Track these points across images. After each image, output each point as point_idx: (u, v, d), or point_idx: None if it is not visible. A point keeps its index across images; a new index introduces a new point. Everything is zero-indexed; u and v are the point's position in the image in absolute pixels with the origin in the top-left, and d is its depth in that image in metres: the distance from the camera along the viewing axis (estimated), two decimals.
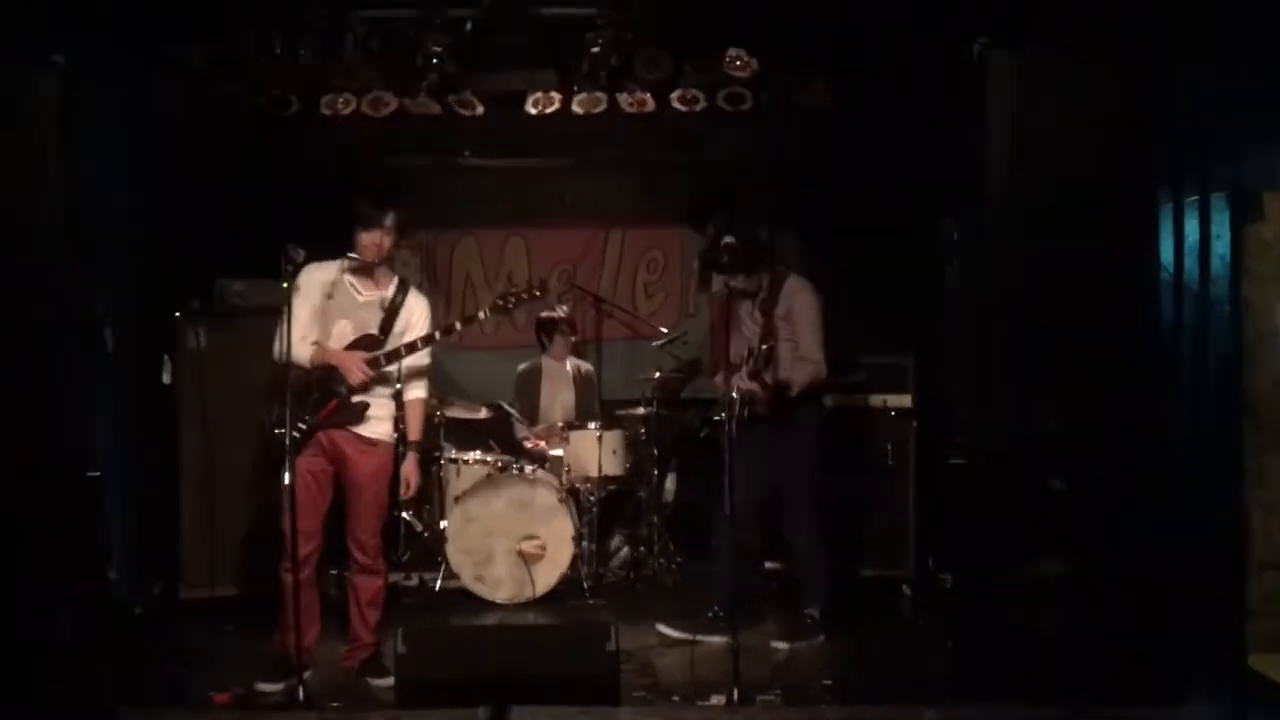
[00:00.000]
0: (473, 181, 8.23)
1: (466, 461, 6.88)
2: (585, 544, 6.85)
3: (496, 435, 7.36)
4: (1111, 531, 4.94)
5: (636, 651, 5.42)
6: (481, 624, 6.15)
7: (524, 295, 5.20)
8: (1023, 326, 5.21)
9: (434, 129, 7.15)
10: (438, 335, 5.15)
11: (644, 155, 7.75)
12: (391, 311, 5.04)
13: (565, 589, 6.59)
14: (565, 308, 7.71)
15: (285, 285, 4.76)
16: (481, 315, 5.24)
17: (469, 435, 7.21)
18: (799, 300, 5.69)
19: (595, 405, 7.53)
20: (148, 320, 6.45)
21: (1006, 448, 5.20)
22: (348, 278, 5.00)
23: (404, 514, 7.18)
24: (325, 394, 4.92)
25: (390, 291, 5.06)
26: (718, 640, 5.31)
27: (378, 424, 5.03)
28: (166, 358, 6.57)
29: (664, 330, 7.78)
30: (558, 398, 7.55)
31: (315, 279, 4.96)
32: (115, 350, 6.09)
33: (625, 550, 7.34)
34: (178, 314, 6.58)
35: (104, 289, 6.02)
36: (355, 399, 4.94)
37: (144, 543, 6.26)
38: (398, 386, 5.09)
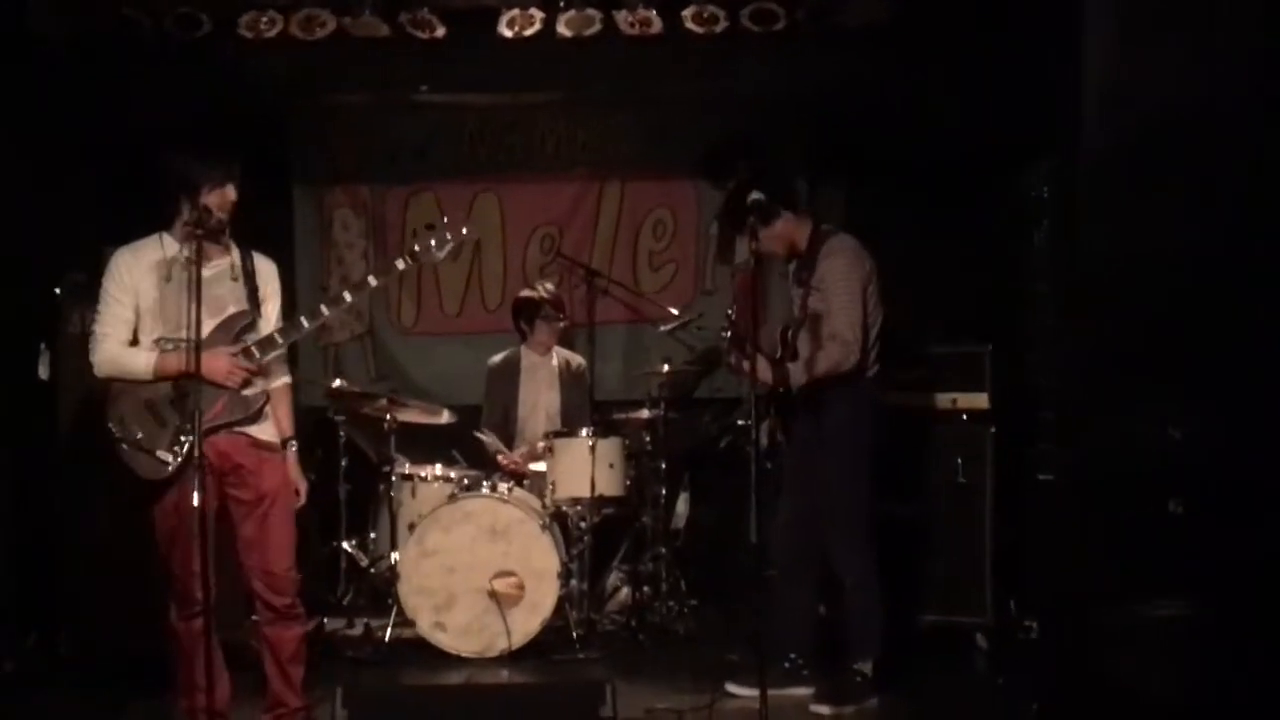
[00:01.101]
0: (431, 123, 8.22)
1: (423, 478, 6.86)
2: (574, 583, 6.83)
3: (462, 445, 7.34)
4: (1242, 565, 4.90)
5: (638, 719, 5.38)
6: (443, 683, 6.11)
7: (448, 237, 5.13)
8: (1132, 306, 5.17)
9: (382, 56, 7.12)
10: (348, 296, 5.10)
11: (648, 89, 7.74)
12: (249, 280, 5.00)
13: (549, 639, 6.56)
14: (549, 285, 7.67)
15: (186, 256, 4.74)
16: (400, 264, 5.18)
17: (427, 445, 7.18)
18: (831, 263, 5.68)
19: (588, 407, 7.50)
20: (19, 299, 6.41)
21: (1110, 461, 5.17)
22: (184, 252, 4.89)
23: (345, 544, 7.15)
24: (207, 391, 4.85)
25: (236, 256, 5.01)
26: (801, 693, 5.65)
27: (270, 424, 5.02)
28: (44, 346, 6.54)
29: (674, 312, 7.75)
30: (540, 399, 7.53)
31: (143, 261, 4.88)
32: None
33: (625, 590, 7.31)
34: (57, 290, 6.55)
35: None
36: (249, 391, 4.91)
37: (14, 583, 6.22)
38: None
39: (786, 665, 5.79)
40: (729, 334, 5.71)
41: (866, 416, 5.74)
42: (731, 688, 5.75)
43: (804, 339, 5.72)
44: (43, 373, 6.56)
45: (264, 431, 4.97)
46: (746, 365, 5.69)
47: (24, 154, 6.41)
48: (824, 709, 5.60)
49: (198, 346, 4.61)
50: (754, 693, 5.16)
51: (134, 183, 6.67)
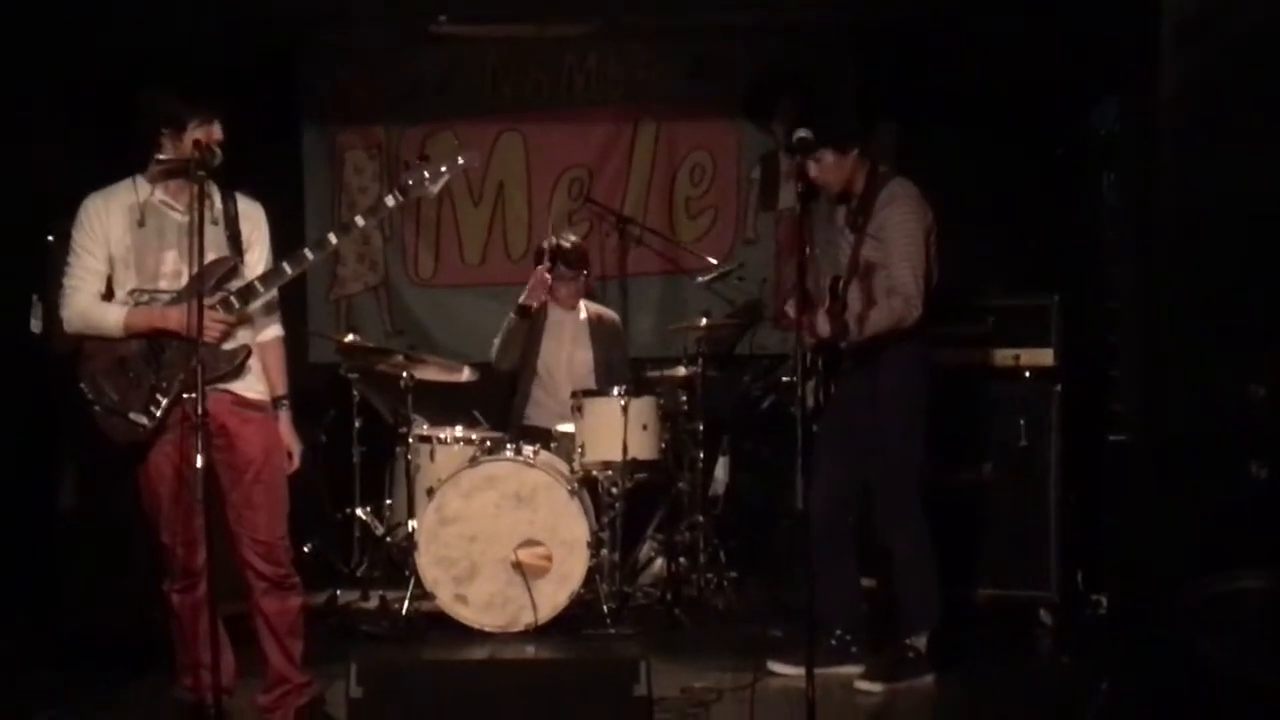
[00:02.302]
0: (451, 57, 8.20)
1: (443, 440, 6.87)
2: (605, 553, 6.83)
3: (484, 404, 7.35)
4: None
5: (674, 698, 5.41)
6: (465, 658, 6.12)
7: (442, 169, 5.05)
8: (1211, 254, 5.15)
9: None
10: (332, 239, 5.07)
11: (686, 18, 7.69)
12: (231, 224, 4.95)
13: (578, 613, 6.60)
14: (570, 235, 7.61)
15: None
16: (390, 201, 5.08)
17: (446, 405, 7.21)
18: (892, 211, 5.65)
19: (625, 364, 7.49)
20: (6, 245, 6.44)
21: (1187, 420, 5.16)
22: (159, 195, 4.89)
23: (359, 511, 7.18)
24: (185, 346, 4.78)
25: (217, 199, 4.93)
26: (849, 671, 5.68)
27: (256, 379, 4.99)
28: (36, 297, 6.57)
29: (713, 262, 7.74)
30: (563, 356, 7.47)
31: (115, 207, 4.84)
32: None
33: (660, 562, 7.33)
34: (50, 237, 6.57)
35: None
36: (229, 346, 4.88)
37: (5, 554, 6.27)
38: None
39: (834, 641, 5.79)
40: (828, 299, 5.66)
41: (922, 375, 5.73)
42: (775, 666, 5.76)
43: (856, 291, 5.68)
44: (35, 326, 6.58)
45: (248, 388, 4.93)
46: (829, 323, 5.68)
47: (9, 96, 6.42)
48: (874, 686, 5.61)
49: (200, 299, 4.58)
50: (799, 671, 5.11)
51: (129, 124, 6.71)
